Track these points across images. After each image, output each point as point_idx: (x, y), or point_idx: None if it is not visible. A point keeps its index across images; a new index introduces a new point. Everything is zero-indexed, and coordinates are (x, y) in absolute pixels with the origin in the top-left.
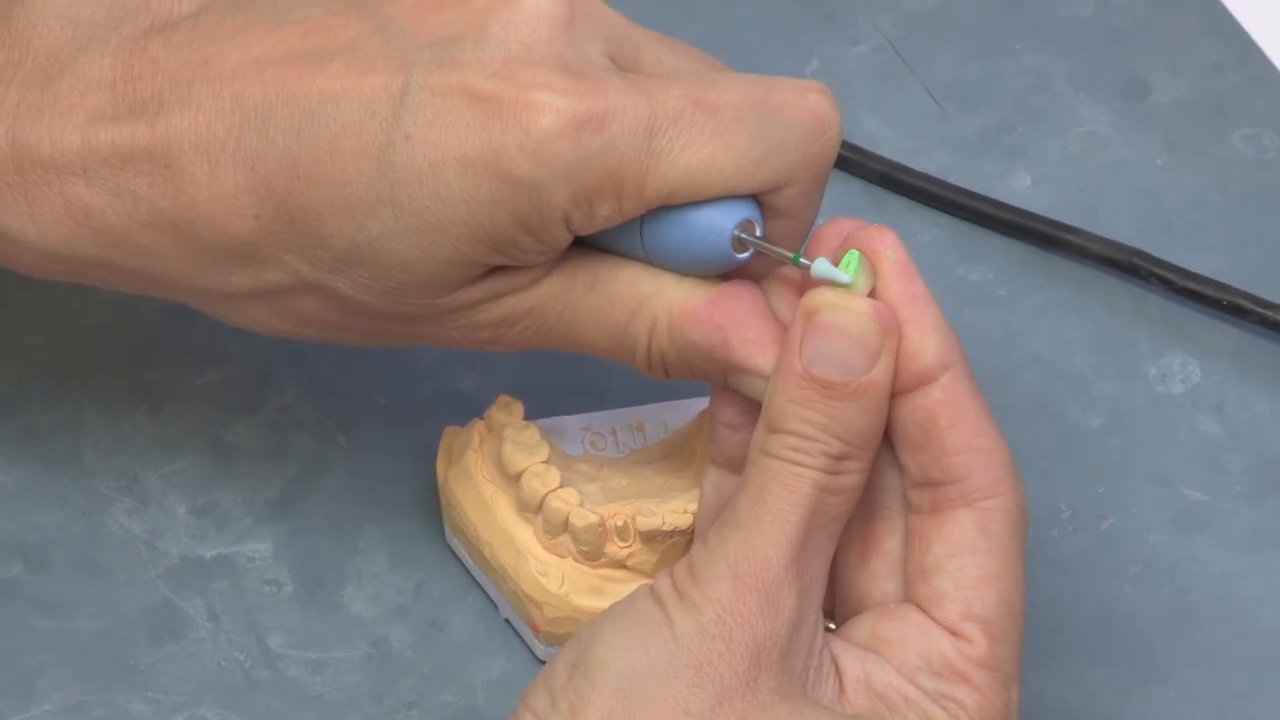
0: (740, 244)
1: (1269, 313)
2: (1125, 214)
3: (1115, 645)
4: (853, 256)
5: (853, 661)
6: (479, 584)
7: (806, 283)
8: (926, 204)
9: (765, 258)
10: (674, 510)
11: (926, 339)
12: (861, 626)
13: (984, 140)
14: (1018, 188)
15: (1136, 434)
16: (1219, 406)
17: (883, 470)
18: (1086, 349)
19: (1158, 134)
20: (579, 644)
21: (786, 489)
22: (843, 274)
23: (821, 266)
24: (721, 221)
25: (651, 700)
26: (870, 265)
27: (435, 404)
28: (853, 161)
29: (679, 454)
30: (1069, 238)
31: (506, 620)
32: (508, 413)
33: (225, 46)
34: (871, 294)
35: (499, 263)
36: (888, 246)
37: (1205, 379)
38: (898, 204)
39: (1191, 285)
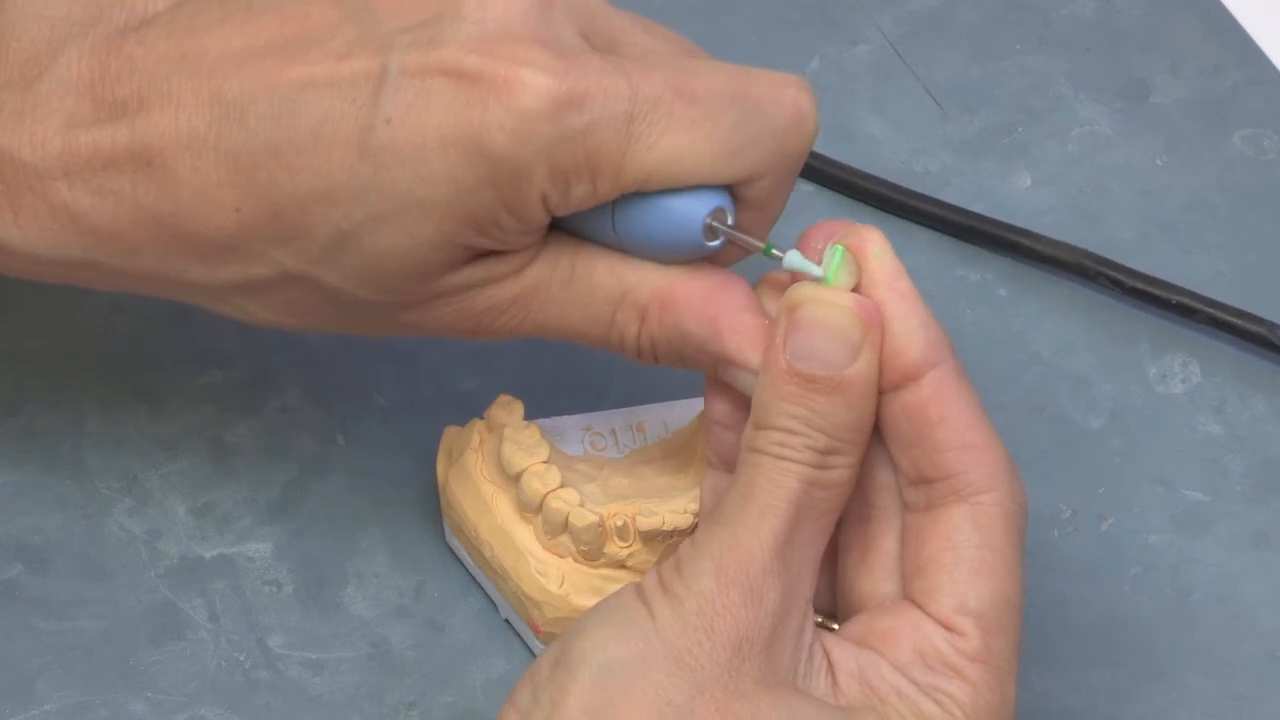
0: (711, 232)
1: (1216, 312)
2: (1125, 215)
3: (1116, 646)
4: (836, 251)
5: (846, 655)
6: (479, 584)
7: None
8: (896, 213)
9: (732, 247)
10: (674, 510)
11: (912, 335)
12: (858, 623)
13: (984, 141)
14: (1018, 188)
15: (1137, 434)
16: (1219, 407)
17: (878, 469)
18: (1087, 349)
19: (1158, 134)
20: (563, 640)
21: (772, 484)
22: (814, 267)
23: (793, 259)
24: (694, 209)
25: (631, 691)
26: (854, 262)
27: (435, 404)
28: (821, 171)
29: (679, 454)
30: (1021, 240)
31: (506, 620)
32: (508, 412)
33: (202, 40)
34: (857, 290)
35: (481, 245)
36: (873, 244)
37: (1206, 379)
38: (884, 212)
39: (1140, 286)
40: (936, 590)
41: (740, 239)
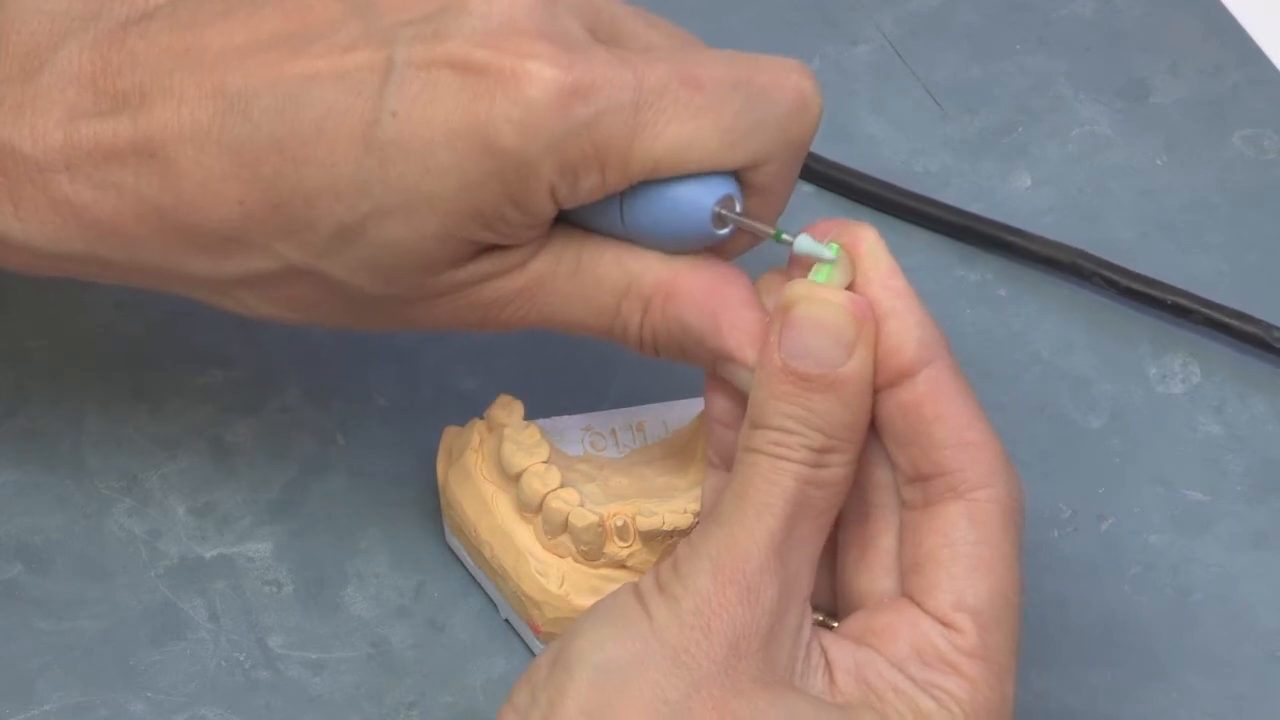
0: (720, 220)
1: (1213, 313)
2: (1125, 215)
3: (1116, 646)
4: (831, 249)
5: (844, 653)
6: (479, 584)
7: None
8: (895, 214)
9: (740, 236)
10: (674, 510)
11: (908, 333)
12: (856, 620)
13: (984, 141)
14: (1018, 189)
15: (1137, 434)
16: (1219, 407)
17: (877, 468)
18: (1087, 349)
19: (1158, 134)
20: (561, 640)
21: (769, 483)
22: (825, 250)
23: (804, 243)
24: (702, 197)
25: (628, 690)
26: (849, 260)
27: (435, 404)
28: (821, 172)
29: (679, 454)
30: (1016, 240)
31: (506, 620)
32: (508, 412)
33: (205, 34)
34: (851, 289)
35: (487, 239)
36: (867, 241)
37: (1206, 379)
38: (884, 213)
39: (1135, 286)
40: (934, 587)
41: (750, 225)
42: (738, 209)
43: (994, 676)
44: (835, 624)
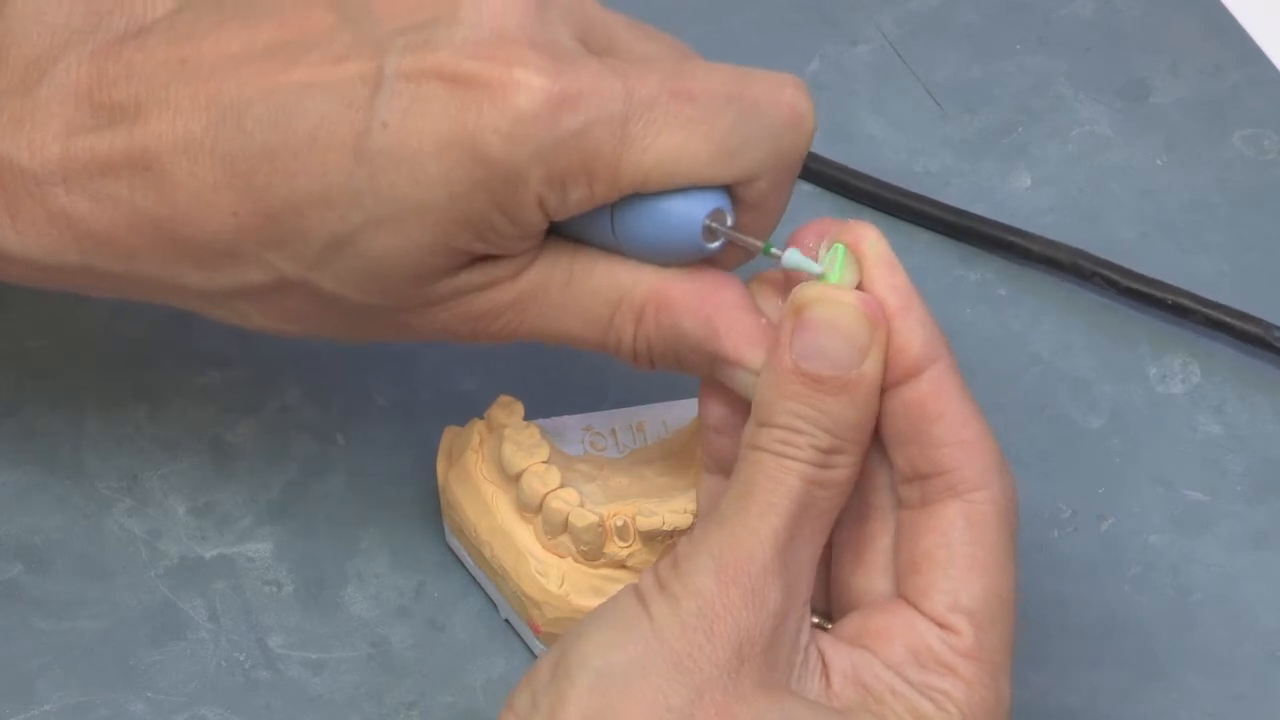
0: (711, 234)
1: (1212, 312)
2: (1125, 215)
3: (1116, 646)
4: (838, 250)
5: (840, 655)
6: (479, 584)
7: (790, 283)
8: (895, 214)
9: (732, 250)
10: (674, 510)
11: (913, 332)
12: (851, 622)
13: (984, 141)
14: (1018, 189)
15: (1137, 434)
16: (1219, 407)
17: (874, 469)
18: (1087, 349)
19: (1158, 134)
20: (562, 644)
21: (774, 482)
22: (814, 265)
23: (793, 257)
24: (693, 211)
25: (631, 696)
26: (855, 259)
27: (435, 404)
28: (821, 172)
29: (679, 454)
30: (1016, 240)
31: (506, 620)
32: (508, 413)
33: (201, 45)
34: (859, 289)
35: (478, 249)
36: (868, 241)
37: (1206, 379)
38: (884, 213)
39: (1135, 285)
40: (930, 587)
41: (739, 239)
42: (729, 222)
43: (990, 677)
44: (830, 625)
